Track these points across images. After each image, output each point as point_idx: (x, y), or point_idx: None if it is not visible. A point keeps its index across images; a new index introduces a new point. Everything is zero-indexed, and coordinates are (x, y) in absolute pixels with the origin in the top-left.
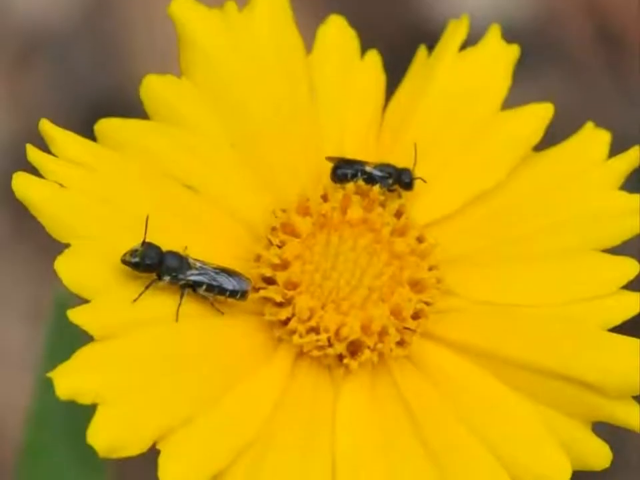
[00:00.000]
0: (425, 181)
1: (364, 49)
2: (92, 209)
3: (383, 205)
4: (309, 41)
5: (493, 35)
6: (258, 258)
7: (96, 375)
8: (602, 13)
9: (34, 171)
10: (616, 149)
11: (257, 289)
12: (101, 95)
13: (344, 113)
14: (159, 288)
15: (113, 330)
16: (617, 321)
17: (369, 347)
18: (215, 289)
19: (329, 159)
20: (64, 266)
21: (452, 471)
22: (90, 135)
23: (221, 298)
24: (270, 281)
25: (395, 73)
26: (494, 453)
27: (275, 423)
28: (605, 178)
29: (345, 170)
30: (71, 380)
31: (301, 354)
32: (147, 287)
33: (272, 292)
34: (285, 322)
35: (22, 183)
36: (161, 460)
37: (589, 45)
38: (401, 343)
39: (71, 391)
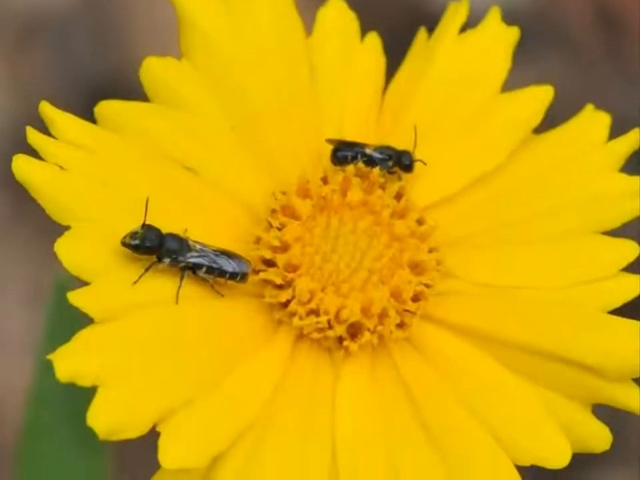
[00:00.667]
0: (425, 163)
1: (364, 31)
2: (92, 191)
3: (382, 187)
4: (308, 23)
5: (493, 18)
6: (258, 240)
7: (96, 357)
8: None
9: (34, 153)
10: (616, 131)
11: (256, 272)
12: (101, 78)
13: (344, 95)
14: (159, 270)
15: (113, 312)
16: (617, 303)
17: (368, 329)
18: (214, 271)
19: (329, 141)
20: (64, 248)
21: (452, 453)
22: (90, 118)
23: (221, 280)
24: (270, 264)
25: (395, 55)
26: (494, 435)
27: (275, 405)
28: (605, 160)
29: (344, 152)
30: (71, 362)
31: (300, 336)
32: (146, 269)
33: (272, 274)
34: (285, 304)
35: (22, 165)
36: (161, 442)
37: (588, 27)
38: (400, 325)
39: (71, 373)
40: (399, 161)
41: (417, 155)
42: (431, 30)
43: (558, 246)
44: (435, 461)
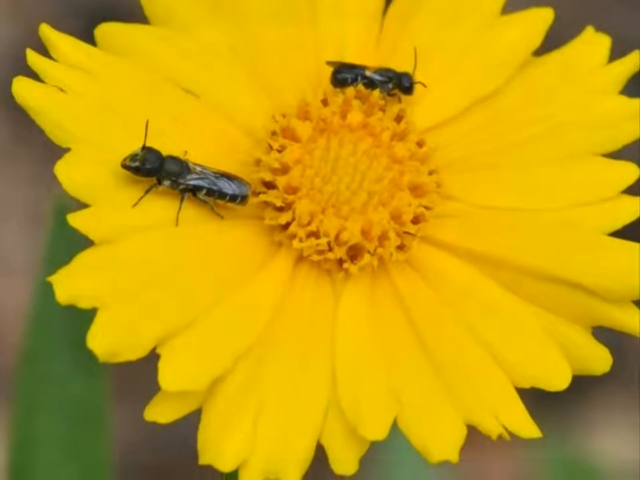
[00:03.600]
0: (424, 85)
1: None
2: (92, 113)
3: (383, 109)
4: None
5: None
6: (258, 162)
7: (96, 279)
8: None
9: (34, 76)
10: (616, 54)
11: (257, 194)
12: (101, 0)
13: (344, 16)
14: (159, 192)
15: (113, 234)
16: (617, 225)
17: (368, 252)
18: (215, 193)
19: (329, 63)
20: (64, 170)
21: (451, 374)
22: (90, 41)
23: (221, 202)
24: (270, 186)
25: None
26: (494, 357)
27: (275, 327)
28: (605, 82)
29: (345, 74)
30: (71, 284)
31: (300, 258)
32: (146, 192)
33: (272, 196)
34: (285, 226)
35: (22, 88)
36: (161, 364)
37: None
38: (401, 247)
39: (71, 295)
40: (399, 83)
41: (417, 77)
42: None
43: (557, 168)
44: (435, 382)
